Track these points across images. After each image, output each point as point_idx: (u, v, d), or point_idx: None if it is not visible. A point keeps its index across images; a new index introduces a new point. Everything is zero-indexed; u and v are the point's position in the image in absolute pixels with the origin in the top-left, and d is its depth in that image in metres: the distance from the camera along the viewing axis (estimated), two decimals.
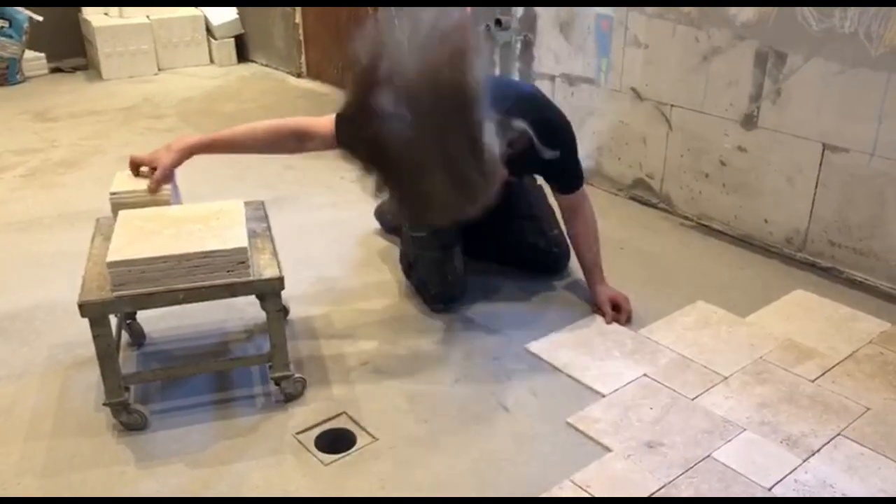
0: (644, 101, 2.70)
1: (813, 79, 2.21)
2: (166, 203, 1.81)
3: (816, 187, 2.29)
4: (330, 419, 1.71)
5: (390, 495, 1.50)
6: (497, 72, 3.22)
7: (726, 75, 2.42)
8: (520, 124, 1.69)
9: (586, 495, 1.48)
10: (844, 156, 2.20)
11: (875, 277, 2.22)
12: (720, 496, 1.47)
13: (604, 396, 1.77)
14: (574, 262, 2.23)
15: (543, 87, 2.98)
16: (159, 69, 4.83)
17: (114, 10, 4.73)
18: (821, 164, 2.26)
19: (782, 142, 2.34)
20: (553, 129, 1.89)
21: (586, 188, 2.10)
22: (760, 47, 2.31)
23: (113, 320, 1.70)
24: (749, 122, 2.41)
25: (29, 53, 4.67)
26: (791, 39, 2.23)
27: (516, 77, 3.13)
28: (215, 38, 4.95)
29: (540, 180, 2.27)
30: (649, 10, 2.58)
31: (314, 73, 4.63)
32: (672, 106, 2.62)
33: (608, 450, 1.60)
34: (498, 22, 3.11)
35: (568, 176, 2.04)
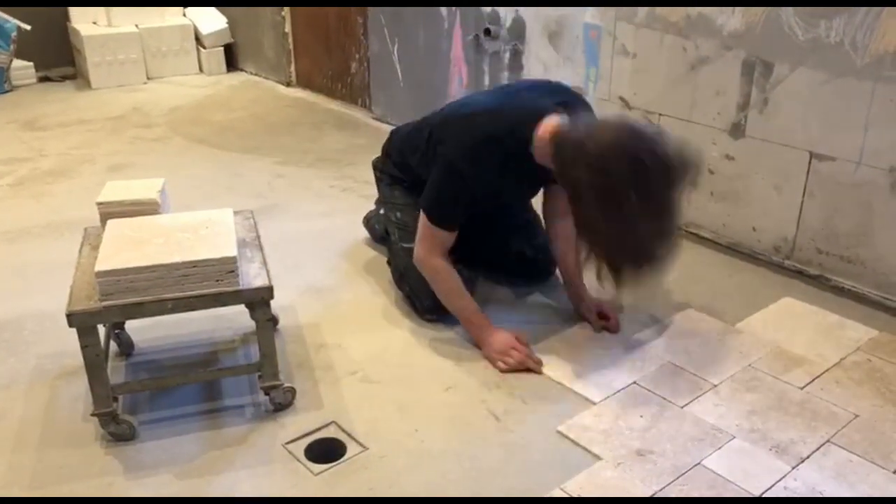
0: (632, 111, 2.72)
1: (799, 88, 2.23)
2: (155, 212, 1.81)
3: (804, 196, 2.30)
4: (320, 429, 1.71)
5: None
6: (486, 81, 3.23)
7: (714, 85, 2.44)
8: None
9: None
10: (831, 164, 2.21)
11: (862, 285, 2.23)
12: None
13: (594, 404, 1.77)
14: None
15: None
16: (148, 78, 4.82)
17: (102, 19, 4.72)
18: (808, 173, 2.27)
19: (770, 150, 2.35)
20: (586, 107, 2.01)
21: None
22: (747, 57, 2.33)
23: (101, 330, 1.69)
24: (737, 130, 2.43)
25: (17, 62, 4.65)
26: (778, 49, 2.25)
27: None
28: (204, 48, 4.95)
29: None
30: (637, 19, 2.60)
31: (304, 82, 4.63)
32: (660, 115, 2.63)
33: (598, 458, 1.60)
34: (487, 31, 3.12)
35: None
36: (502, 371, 1.89)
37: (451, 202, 1.96)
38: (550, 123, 1.80)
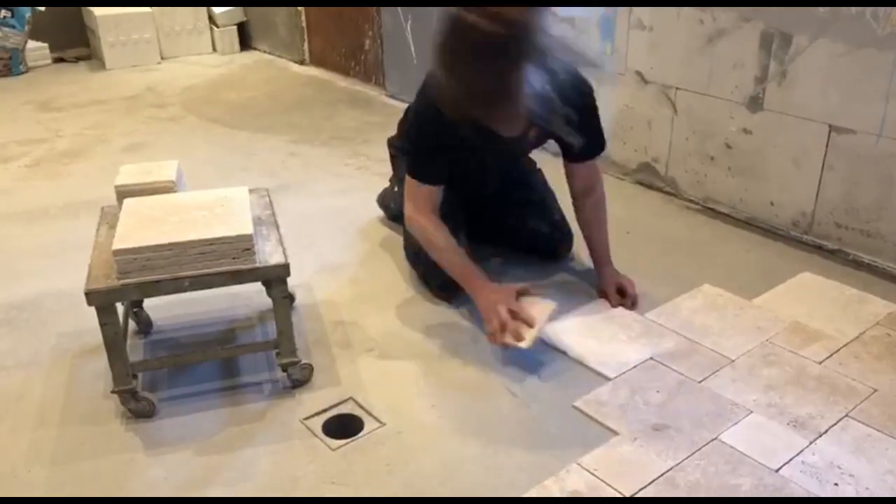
0: (649, 85, 2.69)
1: (819, 60, 2.19)
2: (171, 191, 1.82)
3: (823, 169, 2.28)
4: (337, 405, 1.72)
5: (398, 480, 1.50)
6: None
7: (731, 57, 2.41)
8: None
9: (593, 478, 1.48)
10: (851, 137, 2.18)
11: (882, 259, 2.21)
12: (727, 478, 1.47)
13: (610, 380, 1.77)
14: (578, 246, 2.23)
15: None
16: (162, 58, 4.83)
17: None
18: (827, 146, 2.25)
19: (788, 124, 2.33)
20: (581, 79, 1.91)
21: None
22: (766, 29, 2.30)
23: (120, 308, 1.71)
24: (754, 104, 2.40)
25: (32, 44, 4.67)
26: (796, 20, 2.21)
27: None
28: (217, 27, 4.94)
29: (544, 167, 2.26)
30: None
31: (317, 61, 4.62)
32: (677, 89, 2.60)
33: (615, 433, 1.60)
34: None
35: (593, 133, 1.99)
36: (490, 340, 1.81)
37: (426, 156, 1.95)
38: None
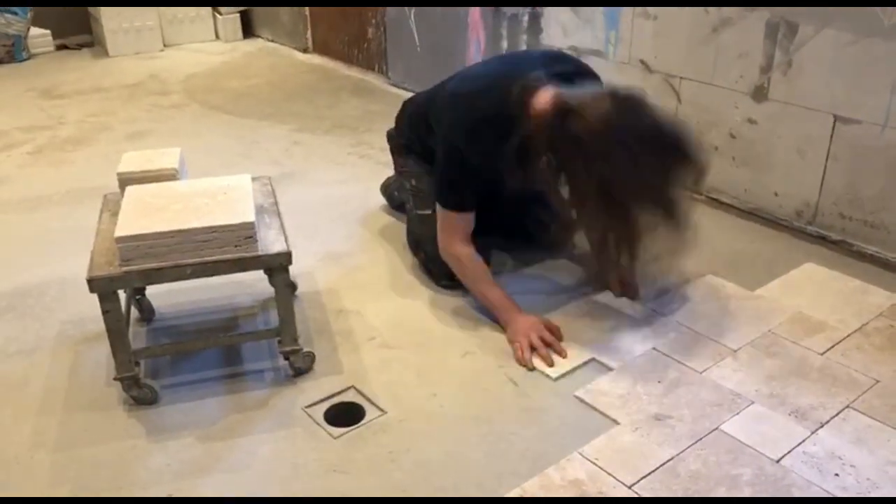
0: (653, 74, 2.68)
1: (824, 49, 2.18)
2: (173, 179, 1.82)
3: (827, 160, 2.27)
4: (339, 393, 1.72)
5: (399, 468, 1.51)
6: (504, 45, 3.19)
7: (736, 47, 2.40)
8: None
9: (594, 468, 1.48)
10: (856, 127, 2.17)
11: (886, 250, 2.20)
12: (728, 468, 1.47)
13: (612, 370, 1.77)
14: (579, 236, 2.22)
15: None
16: (165, 45, 4.82)
17: None
18: (832, 136, 2.23)
19: (793, 114, 2.31)
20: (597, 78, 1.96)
21: None
22: (771, 18, 2.28)
23: (122, 296, 1.71)
24: (759, 94, 2.38)
25: (34, 30, 4.66)
26: (802, 10, 2.20)
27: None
28: (220, 14, 4.93)
29: None
30: None
31: (320, 48, 4.60)
32: (681, 78, 2.59)
33: (616, 423, 1.60)
34: None
35: None
36: (518, 359, 1.81)
37: (458, 185, 1.95)
38: (543, 98, 1.76)
